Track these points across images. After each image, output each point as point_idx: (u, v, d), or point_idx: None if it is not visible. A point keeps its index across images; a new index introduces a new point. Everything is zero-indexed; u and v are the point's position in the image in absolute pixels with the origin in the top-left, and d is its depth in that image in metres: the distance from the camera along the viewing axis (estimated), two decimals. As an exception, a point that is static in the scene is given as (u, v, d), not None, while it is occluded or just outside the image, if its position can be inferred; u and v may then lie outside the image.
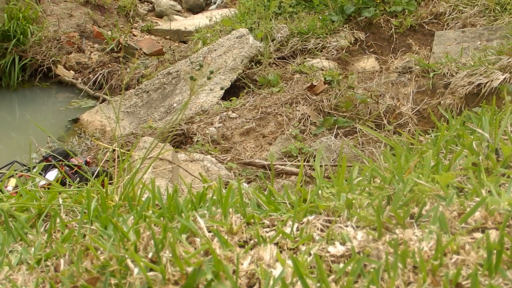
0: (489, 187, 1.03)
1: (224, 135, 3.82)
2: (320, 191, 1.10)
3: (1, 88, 5.76)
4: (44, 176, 3.18)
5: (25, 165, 3.42)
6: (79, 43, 6.37)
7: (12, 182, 3.25)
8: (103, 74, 5.87)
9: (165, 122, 4.19)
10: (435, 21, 4.99)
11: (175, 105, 4.46)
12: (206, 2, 9.20)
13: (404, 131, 3.60)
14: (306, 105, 3.98)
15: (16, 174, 1.37)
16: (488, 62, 3.63)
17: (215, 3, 9.04)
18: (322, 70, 4.57)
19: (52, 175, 3.22)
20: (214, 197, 1.12)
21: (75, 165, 3.26)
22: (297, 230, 0.97)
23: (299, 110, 3.92)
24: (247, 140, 3.73)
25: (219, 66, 4.78)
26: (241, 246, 0.92)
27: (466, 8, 4.90)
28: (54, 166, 3.30)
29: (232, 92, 4.60)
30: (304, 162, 3.11)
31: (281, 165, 3.14)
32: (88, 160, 3.45)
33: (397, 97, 3.95)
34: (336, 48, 4.95)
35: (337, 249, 0.88)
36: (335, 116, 3.83)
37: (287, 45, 5.09)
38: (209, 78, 1.09)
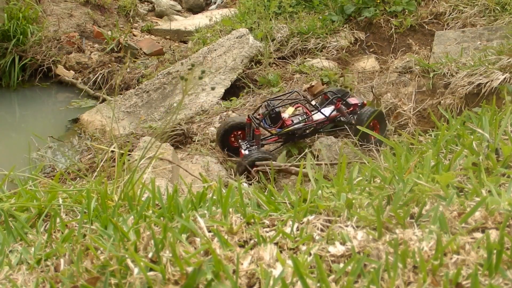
0: (489, 187, 1.03)
1: (224, 135, 3.81)
2: (320, 191, 1.10)
3: (1, 88, 5.75)
4: (320, 111, 3.38)
5: (305, 97, 3.65)
6: (79, 43, 6.36)
7: (290, 110, 3.41)
8: (103, 74, 5.87)
9: (163, 122, 4.19)
10: (435, 21, 4.99)
11: (175, 105, 4.46)
12: (206, 2, 9.20)
13: (404, 131, 3.60)
14: (306, 105, 3.97)
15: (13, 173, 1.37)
16: (488, 62, 3.63)
17: (215, 3, 9.04)
18: (322, 70, 4.57)
19: (327, 110, 3.40)
20: (214, 197, 1.12)
21: (352, 104, 3.49)
22: (297, 230, 0.97)
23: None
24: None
25: (219, 66, 4.78)
26: (241, 246, 0.92)
27: (466, 8, 4.90)
28: (331, 102, 3.47)
29: (232, 92, 4.60)
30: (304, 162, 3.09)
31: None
32: (364, 102, 3.56)
33: (398, 97, 3.95)
34: (336, 48, 4.95)
35: (337, 249, 0.88)
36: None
37: (287, 45, 5.08)
38: (200, 78, 1.09)
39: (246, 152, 3.21)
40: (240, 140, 3.40)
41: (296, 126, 3.36)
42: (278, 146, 3.46)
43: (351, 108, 3.49)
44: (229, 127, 3.42)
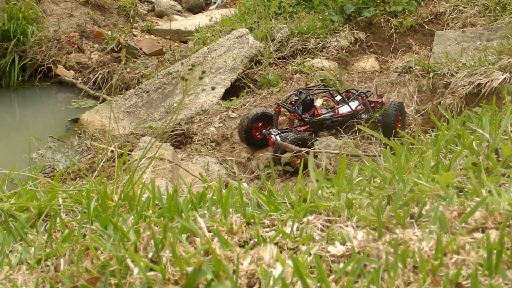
0: (489, 187, 1.03)
1: (224, 135, 3.82)
2: (320, 191, 1.10)
3: (1, 88, 5.75)
4: (348, 104, 3.49)
5: (335, 89, 3.77)
6: (79, 43, 6.36)
7: (319, 101, 3.53)
8: (103, 74, 5.87)
9: (163, 122, 4.18)
10: (435, 21, 4.99)
11: (175, 105, 4.46)
12: (206, 2, 9.20)
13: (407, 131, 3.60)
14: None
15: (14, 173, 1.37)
16: (488, 62, 3.63)
17: (215, 3, 9.04)
18: (322, 70, 4.57)
19: (353, 105, 3.52)
20: (214, 197, 1.12)
21: (373, 101, 3.62)
22: (297, 230, 0.97)
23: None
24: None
25: (219, 66, 4.78)
26: (241, 246, 0.92)
27: (466, 8, 4.90)
28: (356, 98, 3.56)
29: (232, 92, 4.60)
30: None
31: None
32: (384, 101, 3.67)
33: (400, 98, 3.96)
34: (336, 48, 4.95)
35: (337, 249, 0.88)
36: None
37: (287, 45, 5.08)
38: (201, 78, 1.09)
39: (278, 138, 3.25)
40: (264, 130, 3.45)
41: (326, 115, 3.45)
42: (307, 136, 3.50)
43: (372, 105, 3.57)
44: (252, 119, 3.47)
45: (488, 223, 0.91)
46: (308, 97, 3.43)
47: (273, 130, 3.37)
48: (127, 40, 6.48)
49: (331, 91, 3.64)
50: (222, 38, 5.32)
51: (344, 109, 3.52)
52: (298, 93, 3.49)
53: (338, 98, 3.61)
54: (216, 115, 4.13)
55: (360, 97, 3.54)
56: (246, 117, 3.49)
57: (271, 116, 3.48)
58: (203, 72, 1.11)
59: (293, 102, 3.44)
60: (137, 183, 1.23)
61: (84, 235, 1.00)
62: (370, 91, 3.72)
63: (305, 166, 1.31)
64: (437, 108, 3.66)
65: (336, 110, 3.50)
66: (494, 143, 1.25)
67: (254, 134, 3.50)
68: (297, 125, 3.49)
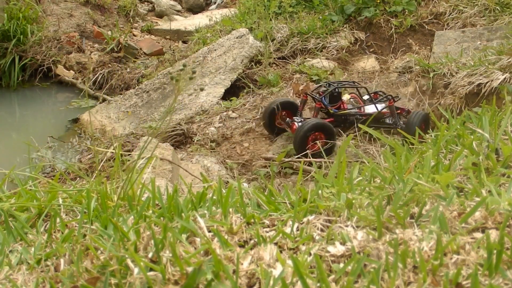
0: (489, 187, 1.03)
1: (224, 135, 3.82)
2: (320, 191, 1.10)
3: (1, 88, 5.75)
4: (374, 105, 3.49)
5: (363, 87, 3.73)
6: (79, 43, 6.36)
7: (346, 96, 3.56)
8: (103, 74, 5.87)
9: (163, 122, 4.18)
10: (435, 21, 4.99)
11: (175, 105, 4.46)
12: (206, 2, 9.20)
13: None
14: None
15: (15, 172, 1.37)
16: (488, 62, 3.63)
17: (215, 3, 9.04)
18: (321, 69, 4.57)
19: (380, 106, 3.51)
20: (214, 197, 1.12)
21: (399, 108, 3.58)
22: (297, 230, 0.97)
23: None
24: (247, 140, 3.73)
25: (219, 66, 4.78)
26: (241, 246, 0.92)
27: (466, 8, 4.90)
28: (383, 100, 3.55)
29: (232, 92, 4.60)
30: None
31: (294, 161, 3.16)
32: (410, 109, 3.66)
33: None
34: (336, 48, 4.95)
35: (337, 249, 0.88)
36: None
37: (287, 45, 5.08)
38: (191, 78, 1.09)
39: (299, 124, 3.30)
40: (287, 119, 3.52)
41: (351, 111, 3.50)
42: None
43: (398, 111, 3.54)
44: (277, 105, 3.54)
45: (488, 223, 0.91)
46: (337, 90, 3.47)
47: (297, 118, 3.44)
48: (127, 40, 6.48)
49: (359, 89, 3.66)
50: (222, 38, 5.32)
51: (369, 109, 3.52)
52: (327, 84, 3.54)
53: (366, 97, 3.63)
54: (216, 115, 4.13)
55: (387, 100, 3.50)
56: (273, 103, 3.59)
57: (296, 106, 3.56)
58: (194, 72, 1.10)
59: (320, 93, 3.50)
60: (137, 183, 1.23)
61: (84, 235, 1.00)
62: (398, 96, 3.68)
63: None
64: (437, 108, 3.66)
65: (362, 108, 3.52)
66: (494, 143, 1.25)
67: (276, 121, 3.58)
68: (321, 117, 3.53)
